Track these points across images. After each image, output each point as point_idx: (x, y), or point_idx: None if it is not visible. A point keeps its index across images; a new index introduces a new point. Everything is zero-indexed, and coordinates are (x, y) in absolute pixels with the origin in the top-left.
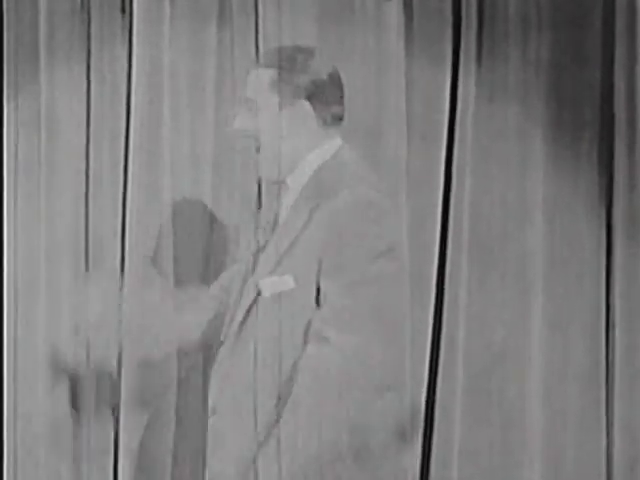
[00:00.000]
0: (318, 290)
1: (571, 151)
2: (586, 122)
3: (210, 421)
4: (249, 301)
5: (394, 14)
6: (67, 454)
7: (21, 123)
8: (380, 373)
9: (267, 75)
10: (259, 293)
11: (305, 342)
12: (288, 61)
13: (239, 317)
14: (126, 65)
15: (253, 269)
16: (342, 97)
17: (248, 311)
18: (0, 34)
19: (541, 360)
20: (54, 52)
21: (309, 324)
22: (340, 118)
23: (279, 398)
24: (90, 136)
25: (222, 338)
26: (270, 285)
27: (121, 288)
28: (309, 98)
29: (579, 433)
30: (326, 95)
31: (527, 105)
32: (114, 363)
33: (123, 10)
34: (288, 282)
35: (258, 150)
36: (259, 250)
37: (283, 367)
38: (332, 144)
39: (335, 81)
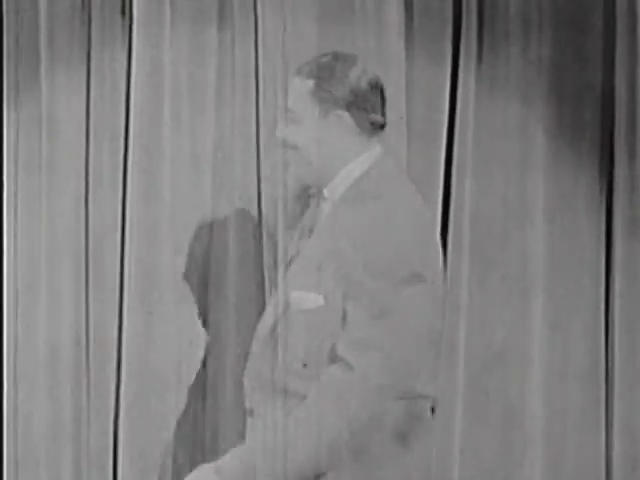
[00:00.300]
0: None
1: (571, 150)
2: (586, 122)
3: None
4: (279, 312)
5: (394, 14)
6: (67, 454)
7: (22, 124)
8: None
9: (306, 85)
10: (288, 306)
11: (329, 362)
12: (327, 70)
13: (268, 324)
14: (126, 67)
15: (284, 280)
16: (383, 105)
17: (277, 321)
18: (0, 35)
19: (541, 360)
20: (54, 54)
21: (334, 345)
22: (381, 126)
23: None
24: (90, 137)
25: (253, 344)
26: (300, 300)
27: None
28: (348, 107)
29: (579, 433)
30: (366, 104)
31: (528, 104)
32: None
33: (123, 12)
34: (317, 300)
35: (298, 160)
36: (291, 260)
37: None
38: (371, 154)
39: (375, 89)
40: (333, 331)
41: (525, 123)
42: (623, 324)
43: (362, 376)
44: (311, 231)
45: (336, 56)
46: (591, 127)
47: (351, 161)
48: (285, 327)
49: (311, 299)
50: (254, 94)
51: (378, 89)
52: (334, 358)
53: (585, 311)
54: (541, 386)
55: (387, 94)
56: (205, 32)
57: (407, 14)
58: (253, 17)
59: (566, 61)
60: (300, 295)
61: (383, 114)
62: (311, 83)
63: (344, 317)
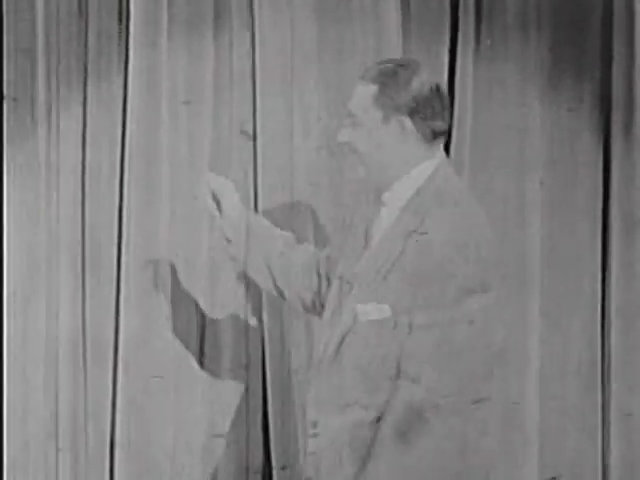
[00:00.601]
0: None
1: (570, 149)
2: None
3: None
4: (347, 325)
5: (392, 11)
6: (66, 454)
7: (21, 126)
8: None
9: (369, 90)
10: (356, 318)
11: (397, 376)
12: (390, 76)
13: (336, 340)
14: (123, 71)
15: (349, 292)
16: (445, 111)
17: (344, 335)
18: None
19: (540, 359)
20: (51, 61)
21: (400, 358)
22: (443, 133)
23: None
24: (87, 139)
25: (317, 359)
26: (368, 312)
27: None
28: (410, 114)
29: (578, 433)
30: (427, 110)
31: (524, 101)
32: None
33: (120, 19)
34: (385, 310)
35: (362, 164)
36: (354, 271)
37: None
38: (432, 162)
39: (438, 95)
40: (399, 343)
41: (524, 119)
42: (619, 324)
43: (427, 389)
44: (368, 237)
45: (399, 62)
46: (589, 118)
47: (412, 168)
48: (351, 339)
49: (378, 310)
50: (251, 96)
51: (440, 96)
52: (400, 371)
53: (583, 310)
54: (540, 386)
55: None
56: (202, 36)
57: (404, 11)
58: (249, 19)
59: (566, 53)
60: (367, 307)
61: (445, 121)
62: (374, 88)
63: (410, 329)
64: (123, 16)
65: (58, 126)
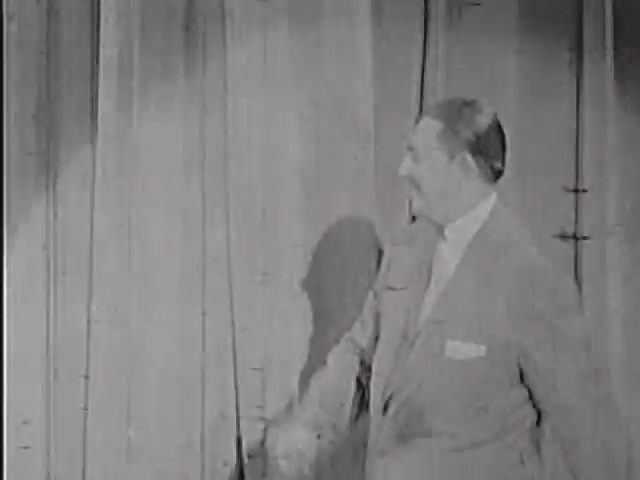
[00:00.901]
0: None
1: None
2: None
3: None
4: (435, 363)
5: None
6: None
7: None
8: None
9: (434, 126)
10: (441, 354)
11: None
12: (455, 113)
13: (415, 372)
14: None
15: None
16: (504, 152)
17: (425, 370)
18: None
19: None
20: None
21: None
22: (500, 174)
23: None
24: None
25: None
26: (457, 350)
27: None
28: (472, 151)
29: None
30: (489, 149)
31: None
32: None
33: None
34: (479, 350)
35: (422, 199)
36: (420, 304)
37: None
38: (489, 200)
39: (498, 135)
40: (498, 383)
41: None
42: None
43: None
44: (428, 270)
45: (463, 100)
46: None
47: (473, 206)
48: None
49: (471, 350)
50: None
51: (500, 135)
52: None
53: None
54: None
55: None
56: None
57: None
58: (220, 29)
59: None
60: (458, 345)
61: (502, 162)
62: (440, 125)
63: (524, 371)
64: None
65: None
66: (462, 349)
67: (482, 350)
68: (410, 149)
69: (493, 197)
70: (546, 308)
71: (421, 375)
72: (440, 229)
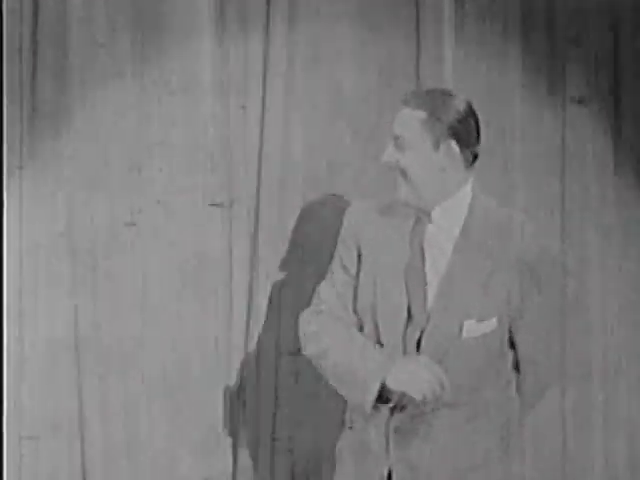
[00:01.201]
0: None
1: None
2: None
3: None
4: (452, 343)
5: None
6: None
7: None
8: None
9: (417, 115)
10: (459, 332)
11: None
12: (436, 101)
13: (436, 351)
14: None
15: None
16: (478, 135)
17: (444, 348)
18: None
19: None
20: None
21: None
22: (476, 158)
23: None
24: None
25: None
26: (473, 327)
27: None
28: (455, 137)
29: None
30: (469, 134)
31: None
32: None
33: None
34: (492, 324)
35: (407, 185)
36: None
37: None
38: (469, 183)
39: (474, 119)
40: (504, 346)
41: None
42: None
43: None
44: (421, 251)
45: (441, 90)
46: None
47: (457, 190)
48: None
49: (486, 325)
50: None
51: (476, 120)
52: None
53: None
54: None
55: None
56: None
57: None
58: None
59: None
60: (473, 323)
61: (478, 144)
62: (423, 114)
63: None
64: None
65: None
66: (478, 327)
67: (494, 323)
68: (396, 138)
69: (471, 181)
70: (534, 259)
71: (438, 357)
72: (426, 213)
